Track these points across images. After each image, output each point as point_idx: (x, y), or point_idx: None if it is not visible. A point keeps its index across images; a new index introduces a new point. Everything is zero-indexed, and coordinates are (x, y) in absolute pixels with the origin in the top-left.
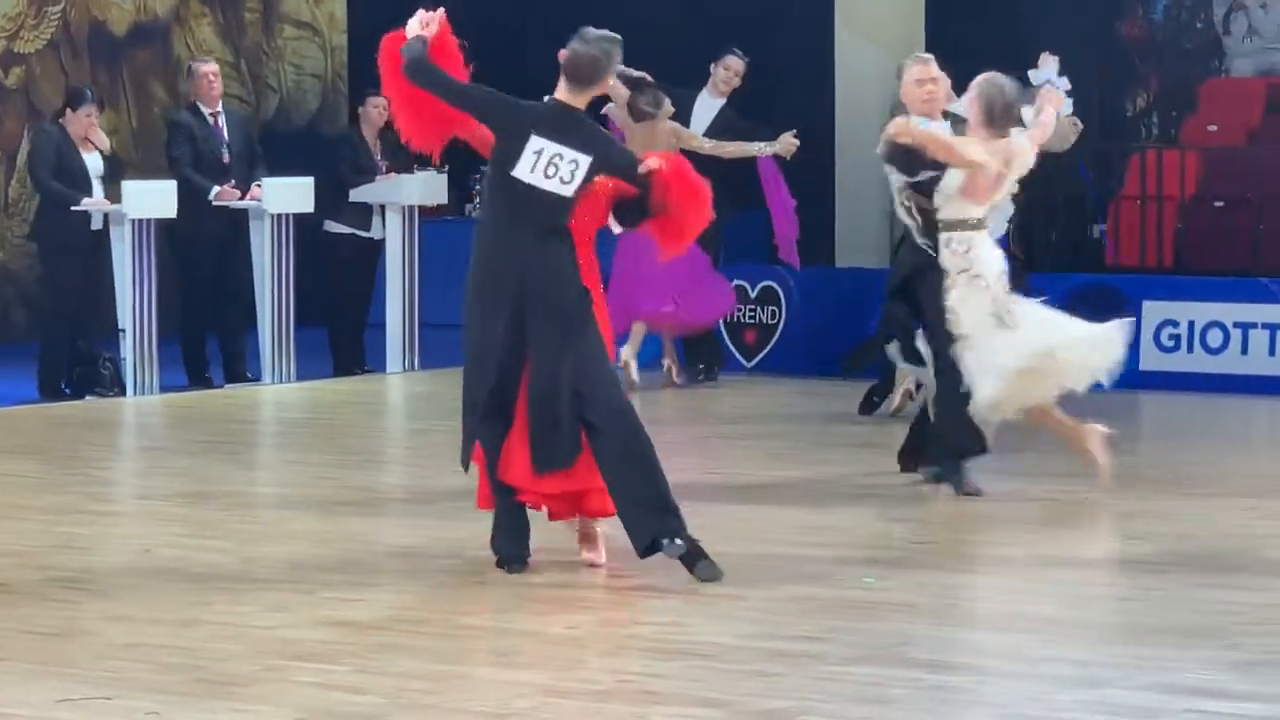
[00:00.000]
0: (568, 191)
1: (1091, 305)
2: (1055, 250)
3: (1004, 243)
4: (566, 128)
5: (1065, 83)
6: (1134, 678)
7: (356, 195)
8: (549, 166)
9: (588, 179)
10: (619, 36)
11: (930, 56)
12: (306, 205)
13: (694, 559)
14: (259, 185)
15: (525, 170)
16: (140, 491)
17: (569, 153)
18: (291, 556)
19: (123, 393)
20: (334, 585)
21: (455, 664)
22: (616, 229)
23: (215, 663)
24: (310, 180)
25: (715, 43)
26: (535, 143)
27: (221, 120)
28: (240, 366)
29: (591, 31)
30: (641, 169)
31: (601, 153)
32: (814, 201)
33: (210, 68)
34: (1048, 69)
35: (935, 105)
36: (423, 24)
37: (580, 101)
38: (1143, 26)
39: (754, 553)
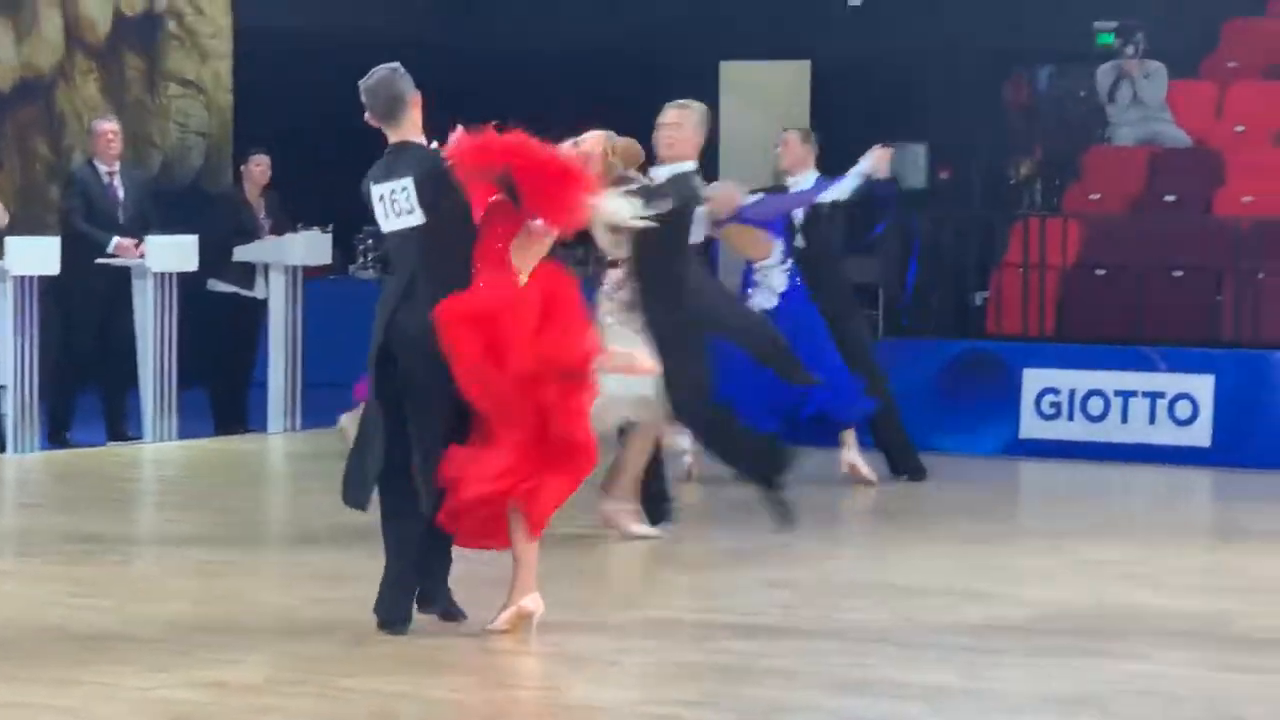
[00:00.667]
0: (415, 220)
1: (972, 373)
2: (936, 317)
3: (790, 295)
4: (392, 163)
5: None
6: None
7: (240, 254)
8: (392, 205)
9: (424, 197)
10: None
11: (688, 103)
12: (190, 264)
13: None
14: (142, 243)
15: (382, 220)
16: (20, 549)
17: (397, 183)
18: (171, 616)
19: (2, 449)
20: (213, 646)
21: None
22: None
23: None
24: (194, 239)
25: (601, 106)
26: (374, 191)
27: (118, 180)
28: (122, 425)
29: (373, 72)
30: (446, 163)
31: (420, 169)
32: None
33: (109, 126)
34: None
35: (671, 150)
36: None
37: (405, 134)
38: (1026, 94)
39: (631, 616)
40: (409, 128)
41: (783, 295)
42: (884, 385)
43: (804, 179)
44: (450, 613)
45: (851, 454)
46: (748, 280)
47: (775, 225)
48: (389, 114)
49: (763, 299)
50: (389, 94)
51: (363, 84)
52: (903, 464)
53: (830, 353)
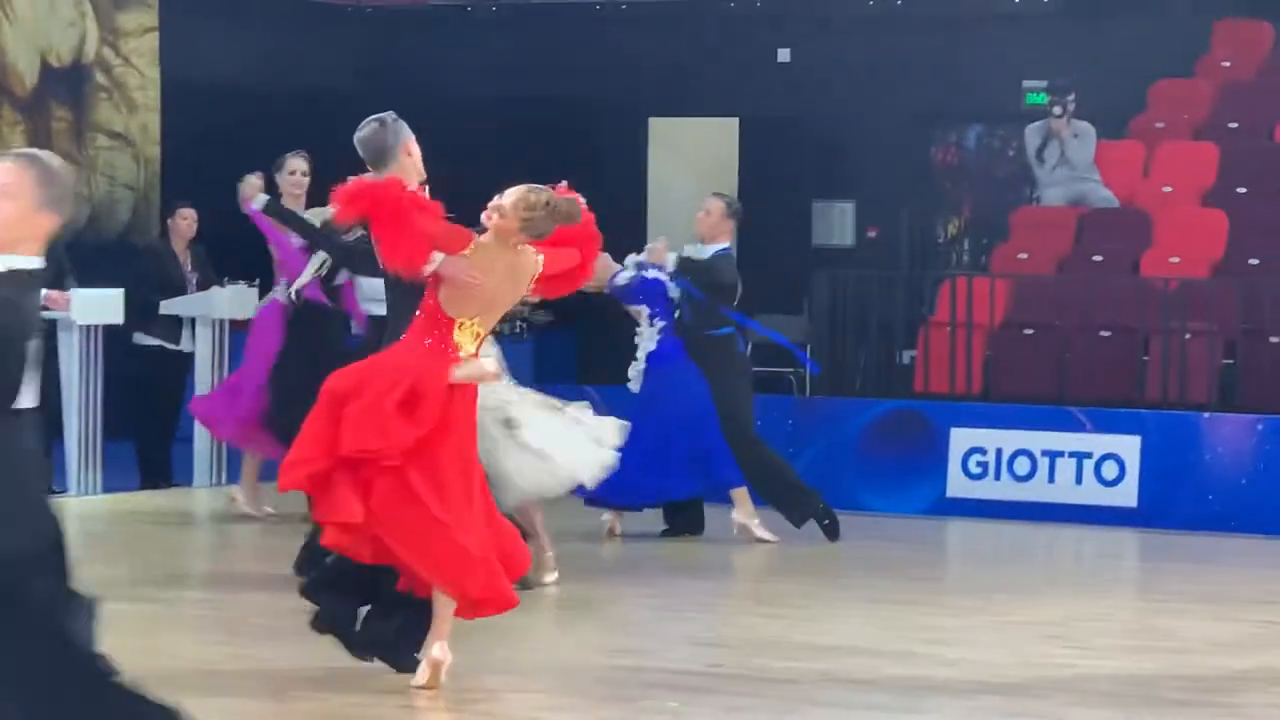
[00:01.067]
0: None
1: (899, 432)
2: (864, 375)
3: (655, 357)
4: None
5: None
6: None
7: (167, 308)
8: None
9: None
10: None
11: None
12: (116, 317)
13: None
14: (68, 296)
15: None
16: None
17: None
18: None
19: None
20: None
21: None
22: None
23: None
24: (120, 292)
25: (537, 163)
26: None
27: None
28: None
29: (364, 123)
30: None
31: None
32: (623, 323)
33: None
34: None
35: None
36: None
37: None
38: (955, 154)
39: (557, 673)
40: (400, 176)
41: (650, 356)
42: (754, 448)
43: (717, 248)
44: (401, 662)
45: (741, 514)
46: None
47: (644, 296)
48: (377, 163)
49: (638, 363)
50: (377, 145)
51: (356, 135)
52: (799, 511)
53: (700, 420)
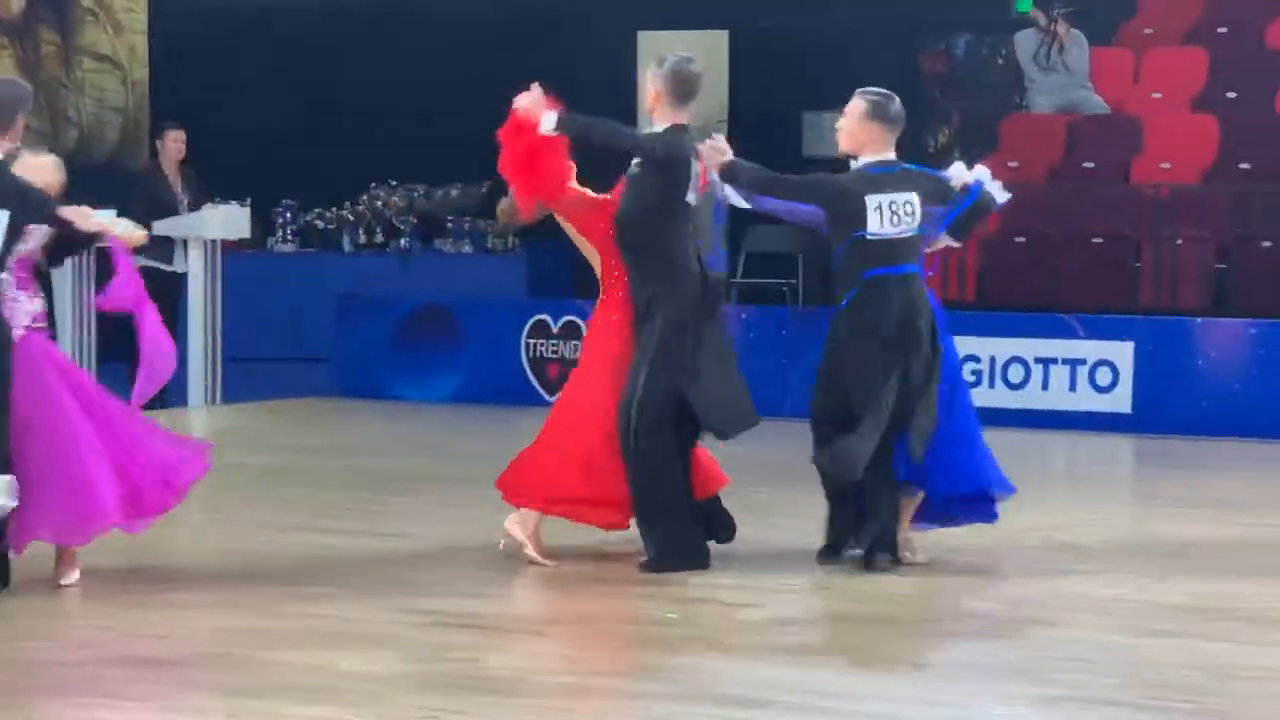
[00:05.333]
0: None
1: None
2: None
3: None
4: None
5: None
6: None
7: (159, 229)
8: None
9: None
10: None
11: None
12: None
13: None
14: None
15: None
16: None
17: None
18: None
19: None
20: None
21: (267, 699)
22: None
23: None
24: (112, 214)
25: (522, 79)
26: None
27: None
28: None
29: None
30: None
31: None
32: None
33: None
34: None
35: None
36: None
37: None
38: (944, 61)
39: (556, 585)
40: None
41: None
42: None
43: None
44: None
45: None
46: None
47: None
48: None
49: None
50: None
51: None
52: None
53: None
